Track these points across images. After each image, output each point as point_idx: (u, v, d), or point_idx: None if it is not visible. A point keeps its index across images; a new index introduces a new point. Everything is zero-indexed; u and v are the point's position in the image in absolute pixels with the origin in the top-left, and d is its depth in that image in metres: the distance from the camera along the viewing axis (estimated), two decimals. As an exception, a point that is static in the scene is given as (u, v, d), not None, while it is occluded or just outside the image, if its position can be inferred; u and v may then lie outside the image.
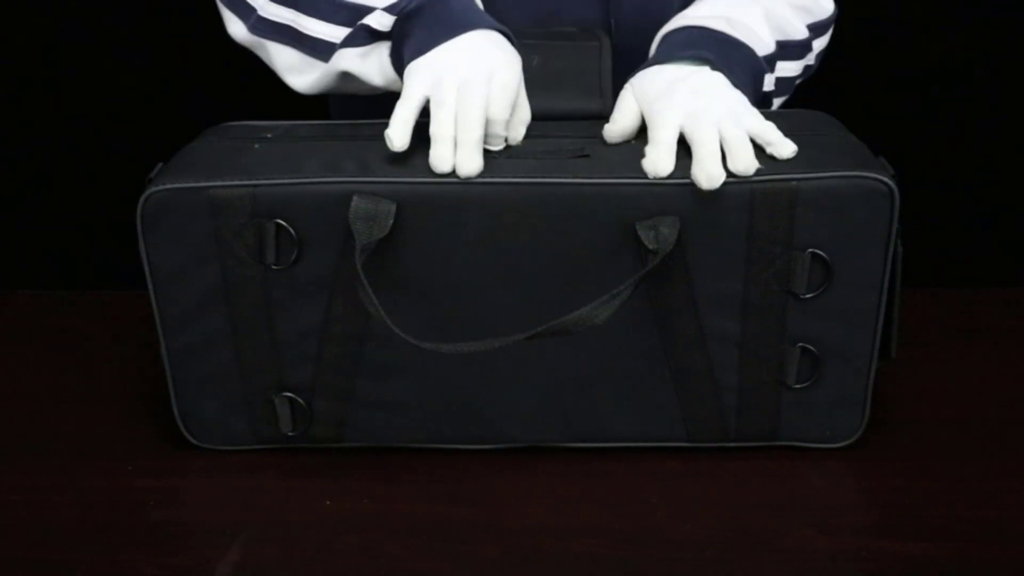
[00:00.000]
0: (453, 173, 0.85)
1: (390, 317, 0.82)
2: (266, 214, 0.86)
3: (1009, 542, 0.83)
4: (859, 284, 0.88)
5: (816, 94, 1.16)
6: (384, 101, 0.90)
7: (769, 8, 1.02)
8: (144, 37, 1.55)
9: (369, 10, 0.95)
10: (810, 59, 1.08)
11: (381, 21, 0.94)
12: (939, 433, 0.96)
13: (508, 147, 0.89)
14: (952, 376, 1.05)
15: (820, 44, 1.10)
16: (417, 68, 0.89)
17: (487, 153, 0.88)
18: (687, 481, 0.90)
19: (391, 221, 0.85)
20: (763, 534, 0.84)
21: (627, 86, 0.93)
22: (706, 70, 0.92)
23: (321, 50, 0.97)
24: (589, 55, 0.97)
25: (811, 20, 1.07)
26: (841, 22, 1.16)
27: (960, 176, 1.59)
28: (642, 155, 0.87)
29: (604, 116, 0.93)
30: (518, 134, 0.91)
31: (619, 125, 0.91)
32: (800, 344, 0.89)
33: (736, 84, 0.91)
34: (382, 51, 0.95)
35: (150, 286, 0.89)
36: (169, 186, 0.86)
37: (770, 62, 1.00)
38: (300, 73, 0.99)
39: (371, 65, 0.96)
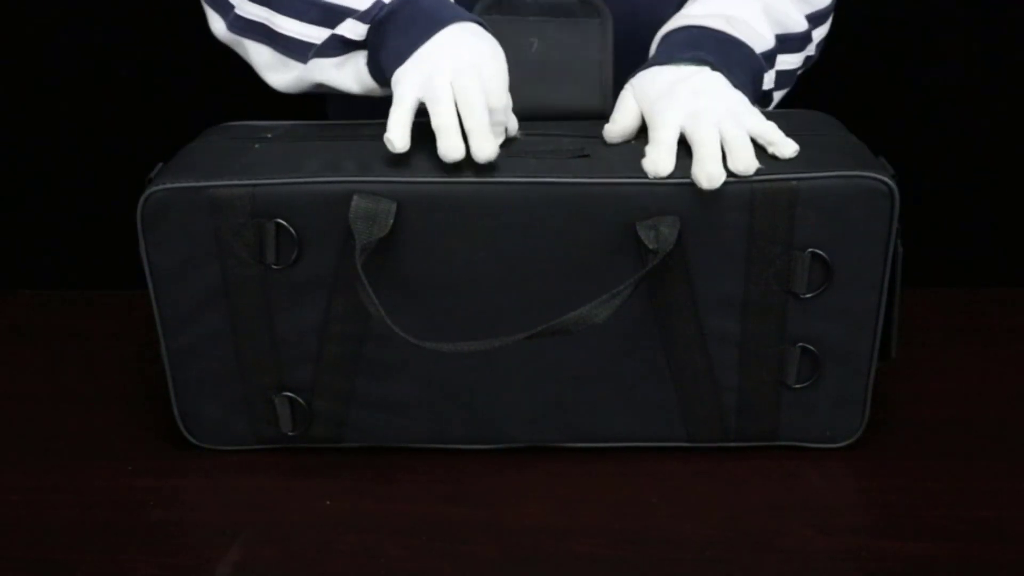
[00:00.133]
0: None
1: (390, 317, 0.82)
2: (266, 214, 0.86)
3: (1009, 542, 0.83)
4: (859, 284, 0.88)
5: (816, 94, 1.16)
6: (384, 105, 0.90)
7: (768, 2, 1.02)
8: (144, 37, 1.55)
9: (341, 10, 0.94)
10: (811, 50, 1.08)
11: (354, 30, 0.94)
12: (939, 433, 0.96)
13: (507, 143, 0.89)
14: (952, 376, 1.05)
15: (820, 34, 1.10)
16: (404, 73, 0.89)
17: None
18: (687, 481, 0.90)
19: (391, 221, 0.85)
20: (763, 534, 0.84)
21: (627, 86, 0.93)
22: (706, 70, 0.92)
23: (294, 49, 0.97)
24: (590, 36, 0.96)
25: (810, 10, 1.07)
26: (841, 22, 1.16)
27: (960, 176, 1.59)
28: (642, 155, 0.87)
29: (604, 115, 0.93)
30: (514, 123, 0.91)
31: (619, 125, 0.91)
32: (800, 344, 0.89)
33: (736, 85, 0.91)
34: (358, 60, 0.95)
35: (150, 286, 0.89)
36: (169, 186, 0.86)
37: (770, 58, 1.00)
38: (277, 71, 0.99)
39: (347, 75, 0.96)
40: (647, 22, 1.03)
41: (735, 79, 0.92)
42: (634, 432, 0.93)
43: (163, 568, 0.81)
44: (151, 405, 1.00)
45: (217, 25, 1.02)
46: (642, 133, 0.91)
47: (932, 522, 0.85)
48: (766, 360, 0.90)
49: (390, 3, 0.93)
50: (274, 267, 0.87)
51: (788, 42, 1.04)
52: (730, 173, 0.84)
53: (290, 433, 0.93)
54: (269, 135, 0.94)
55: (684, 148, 0.87)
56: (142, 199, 0.86)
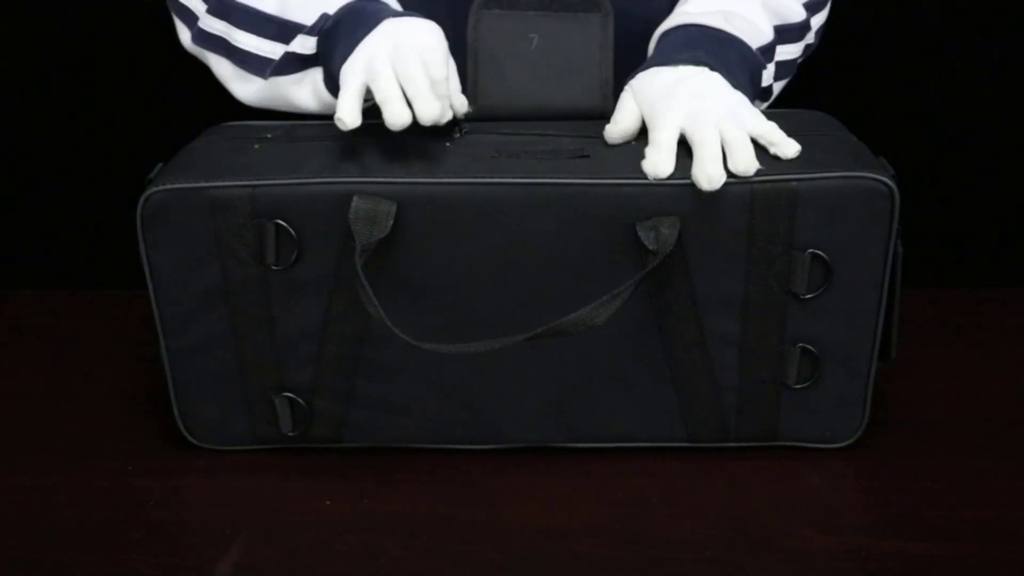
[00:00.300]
0: (465, 164, 0.86)
1: (390, 317, 0.82)
2: (266, 214, 0.86)
3: (1009, 542, 0.83)
4: (859, 284, 0.88)
5: (816, 94, 1.16)
6: (372, 112, 0.90)
7: None
8: (144, 37, 1.55)
9: (292, 26, 0.96)
10: (810, 38, 1.08)
11: (305, 45, 0.95)
12: (939, 433, 0.96)
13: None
14: (952, 376, 1.05)
15: (818, 21, 1.10)
16: (348, 64, 0.90)
17: (485, 152, 0.88)
18: (687, 481, 0.90)
19: (391, 221, 0.85)
20: (763, 534, 0.84)
21: (627, 88, 0.93)
22: (705, 71, 0.92)
23: (252, 64, 0.98)
24: (590, 31, 0.96)
25: None
26: (842, 22, 1.16)
27: (960, 176, 1.59)
28: (642, 156, 0.87)
29: (605, 112, 0.93)
30: (461, 100, 0.92)
31: (620, 126, 0.91)
32: (800, 344, 0.89)
33: (735, 85, 0.91)
34: (315, 77, 0.97)
35: (150, 286, 0.89)
36: (169, 186, 0.86)
37: (769, 51, 1.00)
38: (238, 83, 1.00)
39: (305, 91, 0.98)
40: (647, 17, 1.03)
41: (733, 79, 0.92)
42: (634, 432, 0.93)
43: (163, 568, 0.81)
44: (151, 405, 1.00)
45: (184, 36, 1.03)
46: (642, 134, 0.91)
47: (932, 522, 0.85)
48: (766, 360, 0.90)
49: (335, 14, 0.94)
50: (274, 268, 0.87)
51: (787, 32, 1.04)
52: (730, 174, 0.84)
53: (290, 433, 0.93)
54: (269, 135, 0.94)
55: (684, 149, 0.87)
56: (142, 199, 0.86)
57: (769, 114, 0.91)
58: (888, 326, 0.90)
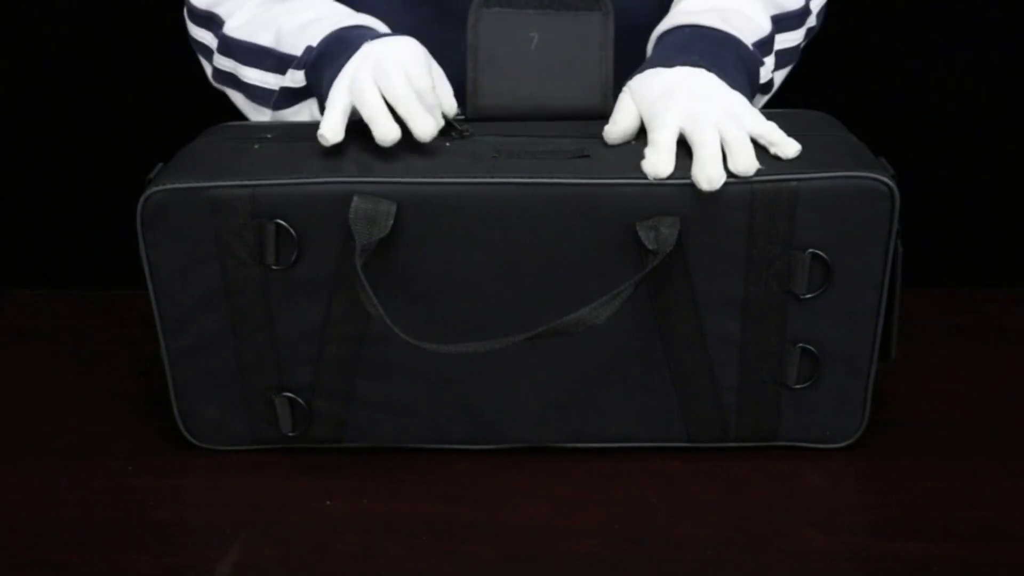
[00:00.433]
0: (466, 165, 0.86)
1: (390, 317, 0.82)
2: (266, 214, 0.86)
3: (1009, 542, 0.83)
4: (859, 284, 0.88)
5: (816, 94, 1.16)
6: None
7: None
8: (144, 37, 1.55)
9: (287, 59, 0.98)
10: (811, 21, 1.09)
11: (295, 79, 0.98)
12: (939, 433, 0.96)
13: (497, 147, 0.90)
14: (952, 376, 1.05)
15: (819, 3, 1.10)
16: (334, 87, 0.91)
17: (485, 152, 0.88)
18: (687, 481, 0.90)
19: (391, 221, 0.85)
20: (763, 534, 0.84)
21: (625, 89, 0.93)
22: (703, 72, 0.92)
23: (259, 96, 1.01)
24: (591, 30, 0.96)
25: None
26: (842, 22, 1.16)
27: (960, 176, 1.59)
28: (642, 156, 0.87)
29: (605, 111, 0.93)
30: (451, 104, 0.93)
31: (619, 126, 0.91)
32: (800, 344, 0.89)
33: (733, 86, 0.91)
34: (312, 107, 0.99)
35: (150, 286, 0.89)
36: (169, 186, 0.86)
37: (767, 44, 1.01)
38: (254, 116, 1.04)
39: (305, 119, 1.00)
40: (647, 14, 1.03)
41: (730, 80, 0.92)
42: (634, 432, 0.93)
43: (163, 568, 0.81)
44: (151, 405, 1.00)
45: (209, 71, 1.08)
46: (642, 134, 0.91)
47: (932, 522, 0.85)
48: (766, 360, 0.90)
49: (317, 45, 0.96)
50: (274, 268, 0.87)
51: (786, 21, 1.04)
52: (730, 174, 0.84)
53: (290, 433, 0.93)
54: (269, 135, 0.94)
55: (684, 148, 0.87)
56: (142, 199, 0.86)
57: (769, 114, 0.91)
58: (888, 326, 0.90)
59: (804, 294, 0.87)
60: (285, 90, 0.99)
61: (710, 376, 0.91)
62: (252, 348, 0.90)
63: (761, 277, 0.87)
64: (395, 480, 0.91)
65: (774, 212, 0.85)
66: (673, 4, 1.05)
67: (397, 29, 0.99)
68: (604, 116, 0.93)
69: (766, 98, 1.07)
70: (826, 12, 1.12)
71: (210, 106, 1.09)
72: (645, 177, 0.85)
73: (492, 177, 0.85)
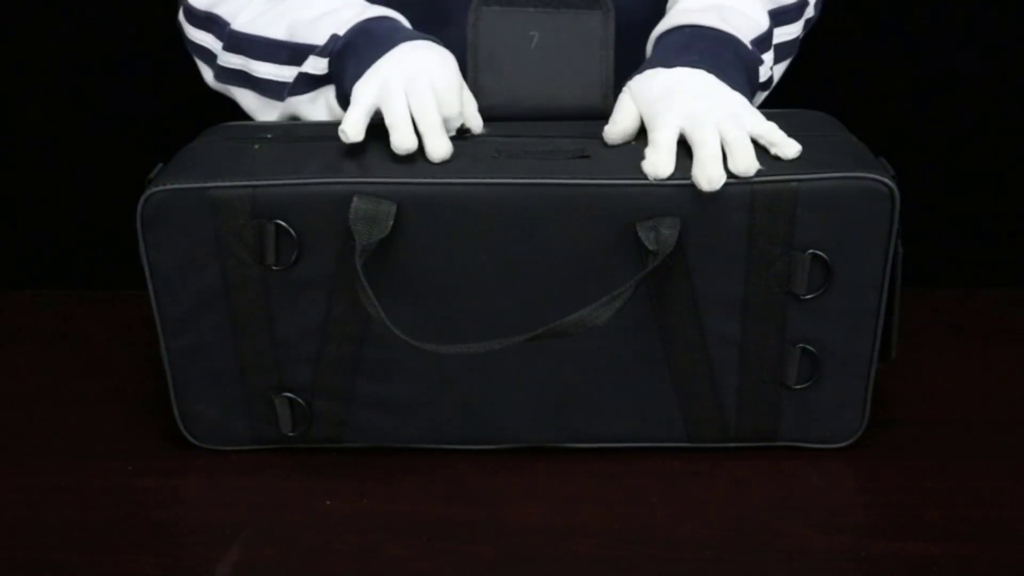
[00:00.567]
0: (465, 165, 0.86)
1: (390, 318, 0.82)
2: (266, 214, 0.86)
3: (1009, 542, 0.83)
4: (859, 285, 0.88)
5: (816, 94, 1.16)
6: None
7: None
8: (144, 37, 1.55)
9: (304, 48, 0.97)
10: (809, 12, 1.09)
11: (316, 65, 0.97)
12: (939, 433, 0.96)
13: (497, 147, 0.90)
14: (952, 376, 1.05)
15: None
16: (361, 83, 0.91)
17: (485, 152, 0.88)
18: (687, 481, 0.90)
19: (391, 222, 0.85)
20: (763, 534, 0.84)
21: (625, 89, 0.93)
22: (703, 73, 0.92)
23: (273, 90, 1.00)
24: (591, 29, 0.96)
25: None
26: (842, 22, 1.16)
27: (960, 176, 1.59)
28: (642, 156, 0.87)
29: (605, 111, 0.93)
30: (477, 123, 0.93)
31: (619, 127, 0.91)
32: (800, 345, 0.89)
33: (732, 86, 0.91)
34: (328, 94, 0.98)
35: (150, 286, 0.89)
36: (169, 186, 0.86)
37: (765, 40, 1.01)
38: (264, 113, 1.03)
39: (319, 109, 0.99)
40: (646, 12, 1.03)
41: (731, 81, 0.92)
42: (634, 432, 0.93)
43: (163, 568, 0.81)
44: (151, 405, 1.00)
45: (207, 75, 1.07)
46: (642, 134, 0.91)
47: (932, 522, 0.85)
48: (766, 361, 0.90)
49: (344, 35, 0.95)
50: (274, 268, 0.87)
51: (784, 14, 1.05)
52: (730, 174, 0.84)
53: (290, 433, 0.93)
54: (269, 135, 0.94)
55: (684, 149, 0.87)
56: (142, 199, 0.86)
57: (769, 114, 0.91)
58: (888, 326, 0.90)
59: (804, 294, 0.87)
60: (303, 76, 0.98)
61: (710, 376, 0.91)
62: (252, 348, 0.90)
63: (761, 277, 0.87)
64: (395, 480, 0.91)
65: (774, 212, 0.85)
66: (671, 2, 1.05)
67: None
68: (604, 116, 0.93)
69: (765, 94, 1.07)
70: (824, 1, 1.12)
71: (210, 106, 1.09)
72: (645, 177, 0.85)
73: (492, 177, 0.85)
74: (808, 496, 0.89)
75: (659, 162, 0.85)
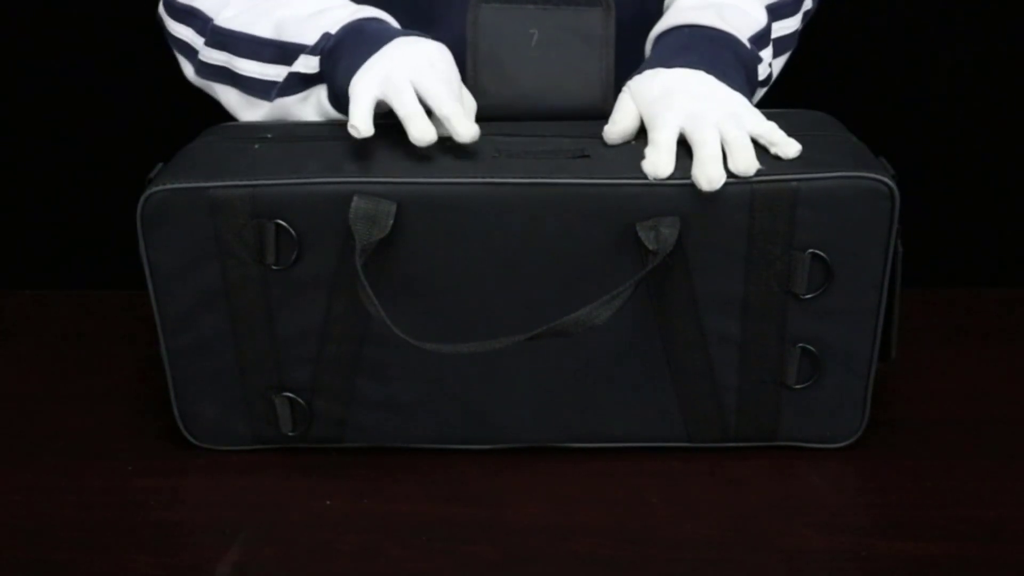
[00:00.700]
0: (465, 165, 0.86)
1: (390, 317, 0.82)
2: (266, 214, 0.86)
3: (1009, 542, 0.83)
4: (859, 284, 0.88)
5: (816, 94, 1.16)
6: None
7: None
8: (144, 36, 1.55)
9: (293, 47, 0.96)
10: (807, 4, 1.09)
11: (308, 64, 0.96)
12: (939, 433, 0.96)
13: (497, 147, 0.90)
14: (952, 376, 1.05)
15: None
16: (358, 78, 0.90)
17: (485, 152, 0.88)
18: (687, 481, 0.90)
19: (391, 221, 0.85)
20: (763, 534, 0.84)
21: (625, 89, 0.93)
22: (702, 73, 0.92)
23: (257, 88, 0.99)
24: (592, 26, 0.96)
25: None
26: (842, 22, 1.16)
27: (960, 176, 1.59)
28: (642, 156, 0.87)
29: (605, 109, 0.93)
30: (472, 124, 0.92)
31: (619, 126, 0.91)
32: (800, 344, 0.89)
33: (732, 87, 0.91)
34: (319, 94, 0.97)
35: (150, 286, 0.89)
36: (169, 186, 0.86)
37: (764, 36, 1.01)
38: (247, 110, 1.01)
39: (309, 109, 0.98)
40: (647, 9, 1.03)
41: (730, 82, 0.92)
42: (634, 432, 0.93)
43: (163, 568, 0.81)
44: (151, 405, 1.00)
45: (187, 70, 1.05)
46: (642, 134, 0.91)
47: (932, 522, 0.85)
48: (766, 360, 0.90)
49: (336, 33, 0.94)
50: (274, 268, 0.87)
51: (782, 9, 1.05)
52: (730, 174, 0.84)
53: (290, 433, 0.93)
54: (269, 135, 0.94)
55: (684, 148, 0.87)
56: (142, 199, 0.86)
57: (769, 114, 0.91)
58: (888, 326, 0.90)
59: (804, 294, 0.87)
60: (293, 76, 0.97)
61: (710, 376, 0.91)
62: (252, 348, 0.90)
63: (761, 277, 0.87)
64: (395, 480, 0.91)
65: (774, 212, 0.85)
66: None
67: None
68: (604, 115, 0.93)
69: (764, 90, 1.07)
70: None
71: (210, 106, 1.09)
72: (645, 177, 0.85)
73: (492, 177, 0.85)
74: (808, 496, 0.89)
75: (659, 162, 0.85)
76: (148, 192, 0.86)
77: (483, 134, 0.91)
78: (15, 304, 1.23)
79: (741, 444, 0.94)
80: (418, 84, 0.88)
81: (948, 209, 1.58)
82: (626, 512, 0.87)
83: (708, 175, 0.83)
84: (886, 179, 0.85)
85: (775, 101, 1.08)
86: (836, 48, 1.45)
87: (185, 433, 0.94)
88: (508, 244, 0.86)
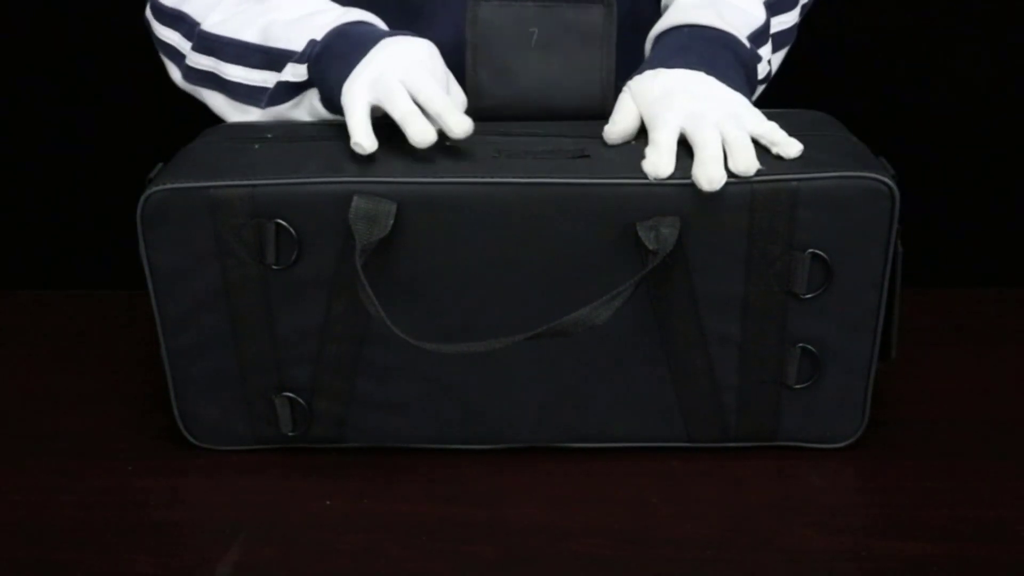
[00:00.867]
0: (465, 165, 0.86)
1: (390, 317, 0.82)
2: (266, 214, 0.86)
3: (1009, 542, 0.83)
4: (859, 284, 0.88)
5: (816, 94, 1.16)
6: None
7: None
8: (144, 37, 1.55)
9: (280, 54, 0.96)
10: None
11: (296, 72, 0.95)
12: (939, 433, 0.96)
13: (497, 147, 0.89)
14: (952, 376, 1.05)
15: None
16: (350, 84, 0.90)
17: (485, 152, 0.88)
18: (687, 481, 0.90)
19: (391, 221, 0.85)
20: (763, 534, 0.84)
21: (625, 89, 0.93)
22: (702, 74, 0.92)
23: (244, 95, 0.99)
24: (592, 25, 0.96)
25: None
26: (842, 23, 1.16)
27: (960, 176, 1.59)
28: (642, 156, 0.87)
29: (605, 109, 0.93)
30: (464, 117, 0.91)
31: (619, 126, 0.91)
32: (800, 344, 0.89)
33: (731, 87, 0.91)
34: (312, 99, 0.97)
35: (150, 286, 0.89)
36: (169, 186, 0.86)
37: (763, 34, 1.01)
38: (234, 115, 1.01)
39: (302, 112, 0.98)
40: (639, 6, 1.03)
41: (730, 82, 0.92)
42: (634, 432, 0.93)
43: (163, 568, 0.81)
44: (151, 405, 1.00)
45: (175, 75, 1.04)
46: (642, 134, 0.91)
47: (932, 522, 0.85)
48: (766, 360, 0.90)
49: (322, 39, 0.94)
50: (274, 267, 0.87)
51: (780, 4, 1.05)
52: (731, 174, 0.84)
53: (290, 433, 0.93)
54: (269, 135, 0.94)
55: (684, 148, 0.87)
56: (142, 199, 0.86)
57: (769, 114, 0.91)
58: (888, 326, 0.90)
59: (804, 294, 0.87)
60: (282, 85, 0.97)
61: (710, 376, 0.91)
62: (252, 348, 0.90)
63: (761, 277, 0.87)
64: (395, 480, 0.91)
65: (774, 212, 0.85)
66: None
67: None
68: (604, 114, 0.93)
69: (763, 87, 1.07)
70: None
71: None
72: (645, 177, 0.85)
73: (492, 177, 0.85)
74: (808, 496, 0.89)
75: (659, 162, 0.85)
76: (148, 192, 0.86)
77: (483, 134, 0.91)
78: (15, 304, 1.23)
79: (741, 444, 0.94)
80: (409, 83, 0.88)
81: (948, 209, 1.58)
82: (626, 512, 0.87)
83: (709, 175, 0.83)
84: (886, 179, 0.85)
85: (775, 100, 1.08)
86: (836, 48, 1.45)
87: (185, 433, 0.94)
88: (508, 244, 0.86)
